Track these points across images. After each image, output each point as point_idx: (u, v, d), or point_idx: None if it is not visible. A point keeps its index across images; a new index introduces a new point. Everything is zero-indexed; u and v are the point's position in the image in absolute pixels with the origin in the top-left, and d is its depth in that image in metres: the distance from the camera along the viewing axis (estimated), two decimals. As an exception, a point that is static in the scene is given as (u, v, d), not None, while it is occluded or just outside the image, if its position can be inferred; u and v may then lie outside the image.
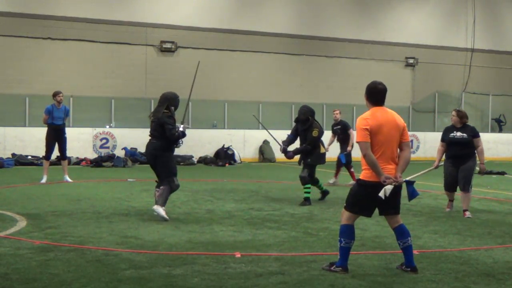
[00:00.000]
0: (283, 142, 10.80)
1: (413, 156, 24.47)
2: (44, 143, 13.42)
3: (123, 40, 21.75)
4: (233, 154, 21.05)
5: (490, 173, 17.51)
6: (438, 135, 30.01)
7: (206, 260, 6.05)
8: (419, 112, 26.47)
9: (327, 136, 13.48)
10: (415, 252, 6.55)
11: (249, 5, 23.70)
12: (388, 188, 5.44)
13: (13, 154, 18.76)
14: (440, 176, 16.69)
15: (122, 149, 20.21)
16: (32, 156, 18.79)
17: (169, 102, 8.74)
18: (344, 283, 5.30)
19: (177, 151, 22.14)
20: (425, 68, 26.49)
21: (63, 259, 5.97)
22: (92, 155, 19.82)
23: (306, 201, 10.34)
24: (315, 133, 10.49)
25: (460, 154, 9.42)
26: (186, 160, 20.29)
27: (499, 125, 27.69)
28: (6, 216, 8.45)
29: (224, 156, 20.83)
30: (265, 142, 22.21)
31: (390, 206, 5.66)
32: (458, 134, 9.41)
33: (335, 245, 6.91)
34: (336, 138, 14.46)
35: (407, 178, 5.76)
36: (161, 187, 8.65)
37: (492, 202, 11.16)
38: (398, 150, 5.70)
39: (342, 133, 14.10)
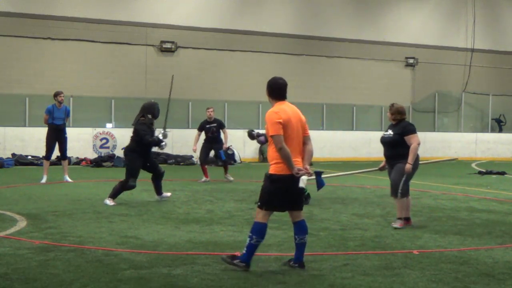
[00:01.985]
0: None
1: (413, 156, 24.50)
2: (44, 143, 13.42)
3: (123, 40, 21.75)
4: (233, 154, 21.05)
5: (490, 173, 17.52)
6: (438, 135, 30.04)
7: (206, 260, 6.05)
8: (419, 112, 26.47)
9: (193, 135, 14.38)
10: (415, 252, 6.56)
11: (249, 5, 23.70)
12: (305, 178, 5.53)
13: (13, 154, 18.77)
14: (439, 176, 16.68)
15: (122, 149, 20.03)
16: (32, 156, 18.80)
17: (144, 111, 10.35)
18: (344, 283, 5.30)
19: (178, 151, 22.12)
20: (425, 68, 26.49)
21: (63, 259, 5.97)
22: (92, 155, 19.83)
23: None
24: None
25: (388, 154, 8.32)
26: (186, 160, 20.30)
27: (499, 125, 27.69)
28: (6, 216, 8.45)
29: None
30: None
31: (299, 200, 5.80)
32: (388, 132, 8.35)
33: (335, 245, 6.92)
34: (206, 136, 14.50)
35: (316, 170, 5.99)
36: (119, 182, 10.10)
37: (492, 202, 11.16)
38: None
39: (217, 131, 14.42)
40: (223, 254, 6.23)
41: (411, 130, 8.16)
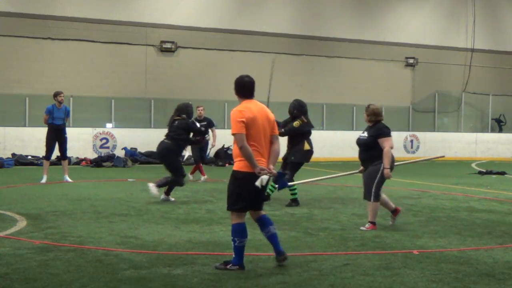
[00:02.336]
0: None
1: (413, 156, 24.51)
2: (44, 143, 13.42)
3: (123, 40, 21.75)
4: (232, 154, 21.03)
5: (490, 173, 17.52)
6: (438, 135, 30.02)
7: (206, 260, 6.05)
8: (419, 112, 26.48)
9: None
10: (415, 252, 6.56)
11: (249, 5, 23.69)
12: (264, 178, 5.53)
13: (13, 154, 18.76)
14: (439, 176, 16.70)
15: (122, 149, 20.21)
16: (32, 156, 18.80)
17: (180, 111, 10.83)
18: (344, 283, 5.30)
19: (177, 151, 22.03)
20: (425, 68, 26.49)
21: (63, 259, 5.97)
22: (92, 155, 19.82)
23: (293, 202, 10.15)
24: (296, 123, 10.28)
25: (362, 156, 8.17)
26: (186, 160, 20.27)
27: (499, 125, 27.69)
28: (6, 216, 8.45)
29: (224, 156, 20.81)
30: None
31: (261, 200, 5.81)
32: (364, 134, 8.16)
33: (335, 245, 6.92)
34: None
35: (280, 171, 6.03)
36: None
37: (492, 202, 11.16)
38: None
39: (206, 129, 14.42)
40: (223, 254, 6.23)
41: (385, 133, 7.94)
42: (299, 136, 10.34)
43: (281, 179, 5.82)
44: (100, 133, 20.41)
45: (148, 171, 16.85)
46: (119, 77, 21.64)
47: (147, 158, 20.00)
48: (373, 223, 7.97)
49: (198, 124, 11.74)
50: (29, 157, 18.72)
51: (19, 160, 18.30)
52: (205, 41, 22.82)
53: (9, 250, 6.30)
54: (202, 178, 14.31)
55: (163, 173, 11.49)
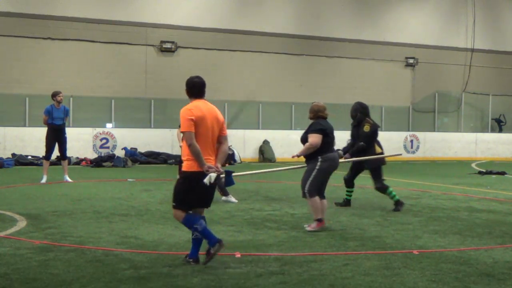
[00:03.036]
0: (343, 148, 10.27)
1: (413, 156, 24.52)
2: (44, 143, 13.43)
3: (123, 40, 21.75)
4: (233, 154, 21.04)
5: (490, 173, 17.52)
6: (438, 135, 30.04)
7: (206, 260, 6.05)
8: (419, 112, 26.48)
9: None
10: (415, 252, 6.56)
11: (249, 5, 23.70)
12: (213, 175, 5.61)
13: (13, 154, 18.77)
14: (439, 176, 16.67)
15: (122, 149, 20.21)
16: (32, 156, 18.80)
17: None
18: (344, 283, 5.30)
19: (177, 151, 22.07)
20: (425, 68, 26.49)
21: (63, 259, 5.97)
22: (92, 155, 19.83)
23: (398, 204, 9.72)
24: (366, 127, 9.84)
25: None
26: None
27: (499, 125, 27.69)
28: (6, 216, 8.45)
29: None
30: (265, 142, 22.22)
31: (209, 198, 5.89)
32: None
33: (335, 245, 6.92)
34: None
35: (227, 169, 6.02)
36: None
37: (492, 202, 11.16)
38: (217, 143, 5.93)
39: None
40: (223, 254, 6.23)
41: (313, 129, 7.83)
42: (371, 139, 9.93)
43: (227, 178, 5.90)
44: (100, 133, 20.41)
45: (148, 171, 16.85)
46: (119, 77, 21.64)
47: (147, 158, 20.01)
48: (318, 220, 7.76)
49: None
50: (29, 157, 18.73)
51: (19, 160, 18.30)
52: (205, 41, 22.82)
53: (9, 250, 6.30)
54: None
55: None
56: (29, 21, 20.52)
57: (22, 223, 7.91)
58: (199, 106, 5.82)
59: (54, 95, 13.29)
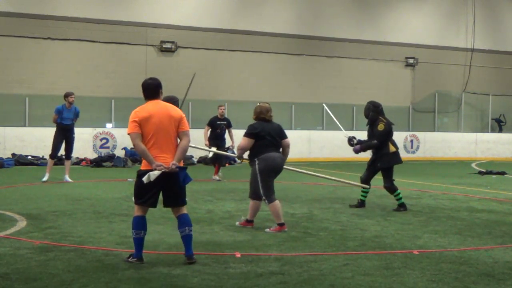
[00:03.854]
0: (358, 140, 10.30)
1: (413, 156, 24.52)
2: (51, 142, 13.56)
3: (123, 40, 21.75)
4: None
5: (490, 173, 17.52)
6: (438, 135, 29.99)
7: (206, 260, 6.05)
8: (419, 112, 26.48)
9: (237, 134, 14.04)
10: (415, 252, 6.56)
11: (249, 5, 23.70)
12: (153, 174, 5.69)
13: (13, 154, 18.76)
14: (439, 176, 16.68)
15: (122, 149, 20.21)
16: (32, 156, 18.79)
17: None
18: (344, 283, 5.30)
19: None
20: (425, 68, 26.49)
21: (63, 259, 5.97)
22: (92, 155, 19.83)
23: (401, 206, 9.77)
24: (380, 126, 9.81)
25: None
26: (186, 160, 20.29)
27: (499, 125, 27.70)
28: (6, 216, 8.45)
29: (224, 156, 20.82)
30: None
31: (171, 198, 5.93)
32: None
33: (335, 245, 6.92)
34: (214, 133, 14.65)
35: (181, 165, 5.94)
36: None
37: (492, 202, 11.16)
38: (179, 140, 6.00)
39: (225, 129, 14.75)
40: (223, 254, 6.24)
41: (245, 133, 7.94)
42: (385, 138, 9.89)
43: (182, 173, 5.87)
44: (100, 133, 20.41)
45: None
46: (119, 77, 21.64)
47: (147, 158, 20.00)
48: (280, 224, 7.68)
49: None
50: (29, 157, 18.72)
51: (19, 160, 18.29)
52: (205, 41, 22.82)
53: (9, 250, 6.30)
54: (216, 177, 14.46)
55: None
56: (29, 21, 20.52)
57: (22, 223, 7.91)
58: (146, 108, 5.98)
59: (66, 95, 13.47)
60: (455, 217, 9.22)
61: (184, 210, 6.03)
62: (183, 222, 5.95)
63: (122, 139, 20.41)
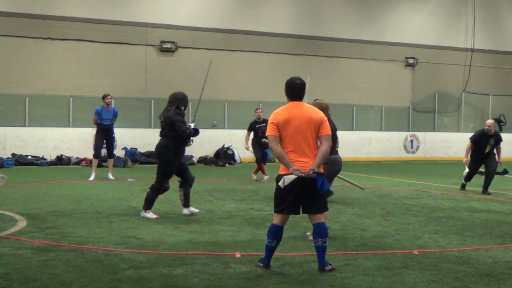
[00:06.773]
0: None
1: (413, 156, 24.52)
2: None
3: (123, 40, 21.74)
4: (233, 154, 21.05)
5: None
6: (438, 135, 29.96)
7: (206, 260, 6.05)
8: (419, 112, 26.47)
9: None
10: (415, 252, 6.56)
11: (249, 5, 23.70)
12: (288, 177, 5.46)
13: (13, 154, 18.75)
14: (439, 176, 16.69)
15: (122, 149, 20.19)
16: (32, 156, 18.78)
17: (179, 101, 8.90)
18: (344, 283, 5.30)
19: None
20: (425, 68, 26.49)
21: (63, 259, 5.97)
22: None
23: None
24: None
25: None
26: (186, 160, 20.26)
27: (499, 125, 27.67)
28: (6, 216, 8.45)
29: (224, 156, 20.83)
30: (265, 142, 22.20)
31: (310, 204, 5.64)
32: None
33: (335, 245, 6.92)
34: (256, 136, 14.90)
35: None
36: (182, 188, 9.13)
37: (492, 202, 11.16)
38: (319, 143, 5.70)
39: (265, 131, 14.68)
40: (223, 254, 6.24)
41: (331, 130, 7.75)
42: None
43: (319, 180, 5.56)
44: (100, 133, 20.37)
45: (148, 171, 16.82)
46: (119, 77, 21.63)
47: (147, 158, 19.99)
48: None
49: (192, 124, 9.17)
50: (29, 157, 18.71)
51: (19, 160, 18.29)
52: (205, 41, 22.81)
53: (9, 250, 6.30)
54: (265, 177, 14.68)
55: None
56: (29, 21, 20.51)
57: (22, 223, 7.91)
58: (287, 109, 5.70)
59: (103, 97, 14.24)
60: (455, 217, 9.22)
61: (321, 218, 5.70)
62: (317, 232, 5.65)
63: (122, 139, 20.40)
